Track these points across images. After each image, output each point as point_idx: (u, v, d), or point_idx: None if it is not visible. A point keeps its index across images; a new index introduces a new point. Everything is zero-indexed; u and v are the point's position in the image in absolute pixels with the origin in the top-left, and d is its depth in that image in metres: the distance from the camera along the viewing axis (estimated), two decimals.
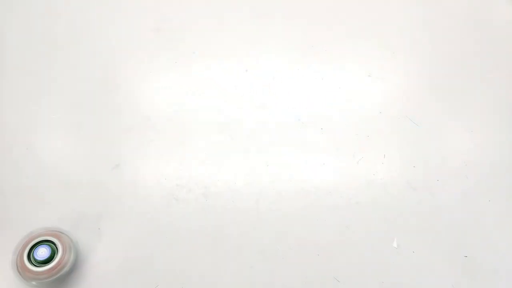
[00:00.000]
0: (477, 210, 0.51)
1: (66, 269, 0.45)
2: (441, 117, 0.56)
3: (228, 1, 0.67)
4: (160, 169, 0.55)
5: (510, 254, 0.48)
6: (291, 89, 0.59)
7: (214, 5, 0.66)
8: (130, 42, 0.64)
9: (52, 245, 0.45)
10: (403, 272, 0.48)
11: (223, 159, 0.55)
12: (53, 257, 0.44)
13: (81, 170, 0.55)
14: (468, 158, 0.54)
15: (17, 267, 0.44)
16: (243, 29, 0.64)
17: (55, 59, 0.63)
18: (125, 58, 0.63)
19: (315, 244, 0.50)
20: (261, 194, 0.53)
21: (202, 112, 0.58)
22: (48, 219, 0.53)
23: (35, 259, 0.44)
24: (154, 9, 0.66)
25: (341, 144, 0.55)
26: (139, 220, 0.52)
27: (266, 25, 0.64)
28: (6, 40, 0.66)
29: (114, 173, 0.54)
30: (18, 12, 0.68)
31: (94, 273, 0.49)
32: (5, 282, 0.47)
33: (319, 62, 0.61)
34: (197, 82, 0.60)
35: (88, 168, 0.55)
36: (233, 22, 0.65)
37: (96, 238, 0.50)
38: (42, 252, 0.44)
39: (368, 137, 0.55)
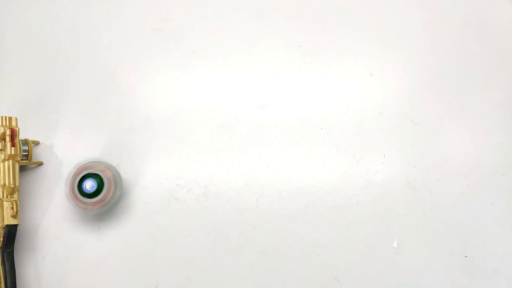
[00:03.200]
0: (477, 210, 0.51)
1: (112, 201, 0.48)
2: (441, 117, 0.56)
3: (228, 1, 0.67)
4: (160, 169, 0.55)
5: (510, 254, 0.48)
6: (291, 89, 0.59)
7: (214, 5, 0.66)
8: (130, 42, 0.64)
9: (98, 178, 0.48)
10: (403, 272, 0.48)
11: (223, 159, 0.55)
12: (101, 189, 0.48)
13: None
14: (468, 158, 0.54)
15: (70, 196, 0.48)
16: (243, 29, 0.64)
17: (56, 59, 0.63)
18: (125, 58, 0.63)
19: (315, 244, 0.50)
20: (261, 194, 0.53)
21: (202, 112, 0.58)
22: (48, 218, 0.53)
23: (83, 191, 0.47)
24: (154, 9, 0.66)
25: (341, 144, 0.55)
26: (139, 220, 0.52)
27: (266, 25, 0.64)
28: (6, 40, 0.66)
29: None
30: (18, 12, 0.68)
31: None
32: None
33: (319, 62, 0.61)
34: (197, 82, 0.60)
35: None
36: (233, 22, 0.65)
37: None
38: (90, 186, 0.47)
39: (368, 137, 0.55)
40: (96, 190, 0.48)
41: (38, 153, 0.57)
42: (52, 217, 0.53)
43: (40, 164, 0.56)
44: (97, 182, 0.48)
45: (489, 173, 0.53)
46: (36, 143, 0.57)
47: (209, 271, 0.49)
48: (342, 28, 0.63)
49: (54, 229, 0.52)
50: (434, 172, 0.53)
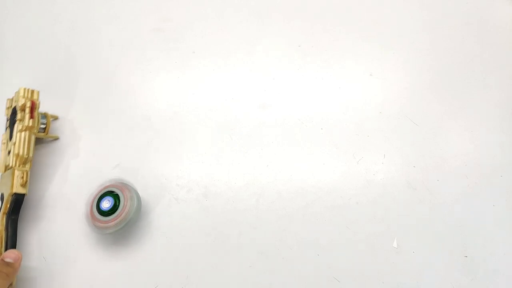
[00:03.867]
0: (477, 210, 0.51)
1: (128, 219, 0.47)
2: (441, 117, 0.56)
3: (228, 1, 0.67)
4: (160, 169, 0.55)
5: (510, 254, 0.48)
6: (291, 89, 0.59)
7: (214, 5, 0.66)
8: (130, 42, 0.64)
9: (116, 196, 0.48)
10: (403, 272, 0.48)
11: (223, 159, 0.55)
12: (116, 208, 0.47)
13: (81, 170, 0.55)
14: (468, 158, 0.54)
15: (88, 217, 0.48)
16: (243, 29, 0.64)
17: (55, 59, 0.63)
18: (125, 58, 0.63)
19: (315, 244, 0.50)
20: (261, 194, 0.53)
21: (202, 112, 0.58)
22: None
23: (101, 210, 0.47)
24: (154, 9, 0.66)
25: (341, 144, 0.55)
26: (139, 220, 0.52)
27: (266, 25, 0.64)
28: (6, 40, 0.66)
29: (114, 173, 0.54)
30: (18, 11, 0.68)
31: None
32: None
33: (319, 62, 0.61)
34: (197, 82, 0.60)
35: (88, 168, 0.55)
36: (233, 22, 0.65)
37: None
38: (106, 203, 0.47)
39: (368, 137, 0.55)
40: (112, 207, 0.47)
41: (56, 128, 0.58)
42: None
43: (56, 138, 0.57)
44: (114, 200, 0.48)
45: (489, 173, 0.53)
46: (55, 118, 0.58)
47: (209, 271, 0.49)
48: (342, 28, 0.63)
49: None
50: (434, 172, 0.53)
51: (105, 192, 0.48)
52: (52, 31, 0.66)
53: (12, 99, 0.56)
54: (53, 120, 0.57)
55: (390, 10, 0.65)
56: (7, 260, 0.44)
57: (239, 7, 0.66)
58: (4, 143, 0.54)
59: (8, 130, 0.54)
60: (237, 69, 0.61)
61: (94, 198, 0.48)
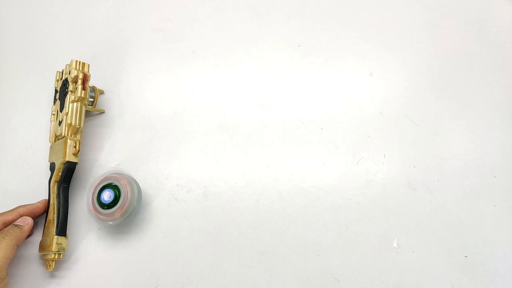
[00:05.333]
0: (477, 210, 0.51)
1: (130, 212, 0.48)
2: (441, 117, 0.56)
3: (228, 1, 0.67)
4: (160, 169, 0.55)
5: (510, 254, 0.48)
6: (291, 89, 0.59)
7: (214, 5, 0.66)
8: (130, 42, 0.64)
9: (116, 189, 0.48)
10: (403, 272, 0.48)
11: (223, 159, 0.55)
12: (117, 200, 0.48)
13: (81, 170, 0.55)
14: (468, 158, 0.54)
15: (90, 209, 0.48)
16: (243, 29, 0.64)
17: (55, 59, 0.63)
18: (125, 58, 0.63)
19: (315, 244, 0.50)
20: (261, 194, 0.53)
21: (202, 112, 0.58)
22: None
23: (101, 202, 0.48)
24: (154, 9, 0.66)
25: (341, 144, 0.55)
26: (139, 220, 0.52)
27: (266, 24, 0.64)
28: (6, 39, 0.66)
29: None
30: (17, 11, 0.68)
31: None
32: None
33: (319, 62, 0.61)
34: (197, 82, 0.60)
35: (89, 168, 0.55)
36: (233, 22, 0.65)
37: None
38: (107, 196, 0.48)
39: (368, 137, 0.55)
40: (113, 200, 0.47)
41: (101, 102, 0.59)
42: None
43: (101, 112, 0.58)
44: (115, 193, 0.48)
45: (489, 173, 0.53)
46: (101, 92, 0.59)
47: (209, 271, 0.49)
48: (342, 28, 0.63)
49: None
50: (434, 172, 0.53)
51: (104, 185, 0.48)
52: (52, 31, 0.66)
53: (62, 71, 0.57)
54: (99, 94, 0.59)
55: (390, 10, 0.65)
56: (18, 223, 0.47)
57: (239, 7, 0.66)
58: (54, 114, 0.56)
59: (58, 102, 0.55)
60: (237, 69, 0.61)
61: (94, 191, 0.49)
